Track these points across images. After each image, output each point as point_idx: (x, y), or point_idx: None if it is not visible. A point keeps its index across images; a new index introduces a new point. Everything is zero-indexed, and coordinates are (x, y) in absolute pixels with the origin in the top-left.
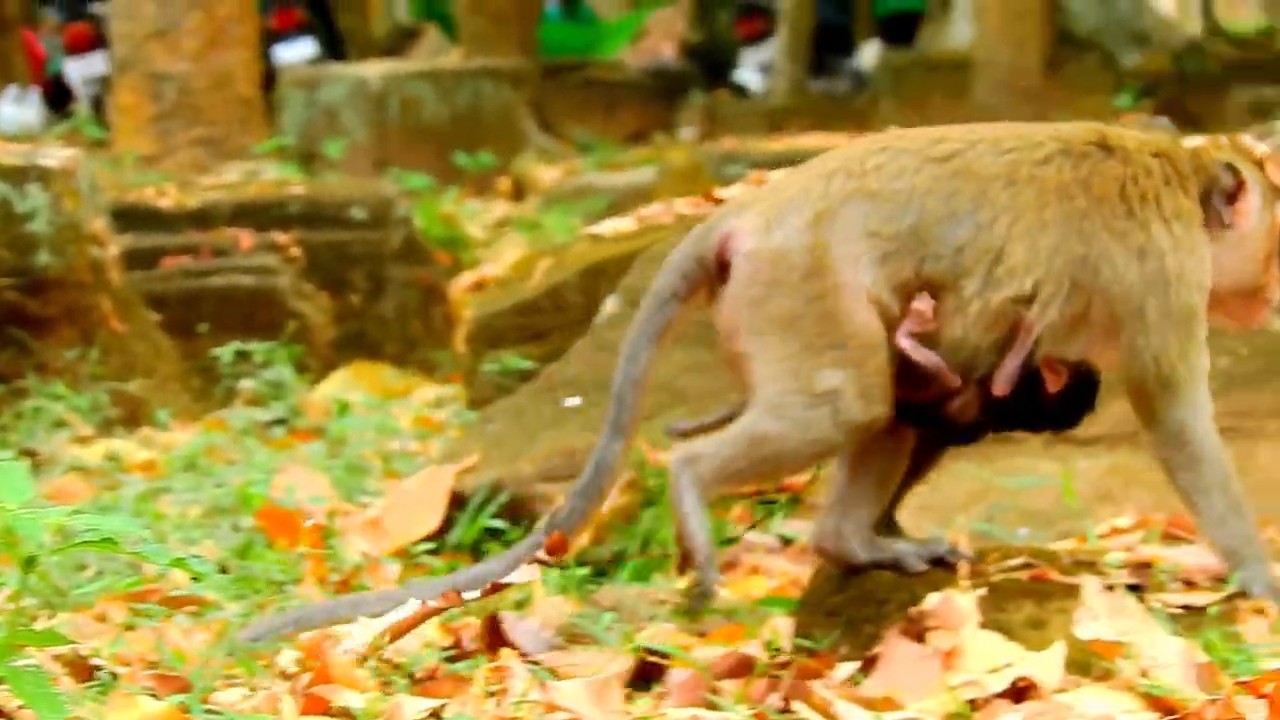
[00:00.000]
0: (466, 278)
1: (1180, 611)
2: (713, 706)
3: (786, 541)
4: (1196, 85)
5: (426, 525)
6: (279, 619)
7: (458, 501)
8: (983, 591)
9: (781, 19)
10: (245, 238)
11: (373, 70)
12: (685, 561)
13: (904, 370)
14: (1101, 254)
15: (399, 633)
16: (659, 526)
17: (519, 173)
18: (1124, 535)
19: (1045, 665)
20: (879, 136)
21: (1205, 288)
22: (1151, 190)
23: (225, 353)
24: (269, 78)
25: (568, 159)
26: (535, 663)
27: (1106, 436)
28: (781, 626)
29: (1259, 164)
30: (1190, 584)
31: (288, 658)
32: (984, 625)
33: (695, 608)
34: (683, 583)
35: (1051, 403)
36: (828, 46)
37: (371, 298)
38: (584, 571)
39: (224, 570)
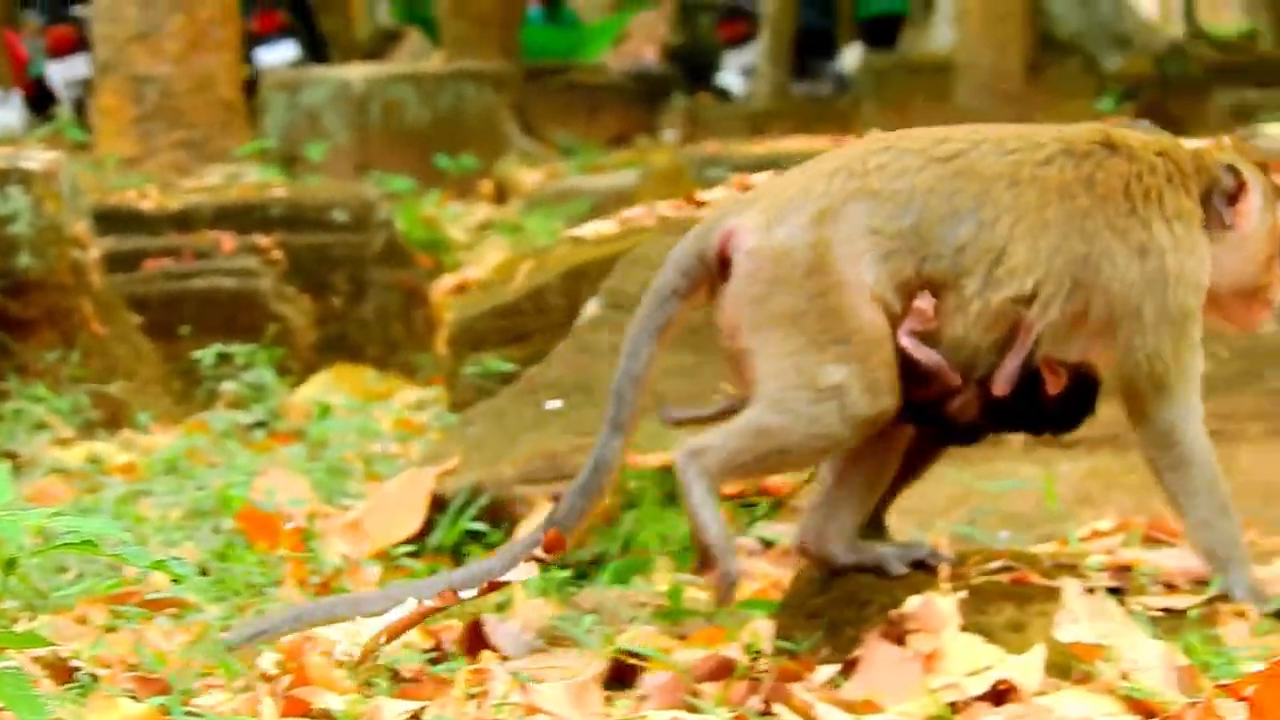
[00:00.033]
0: (448, 280)
1: (1161, 614)
2: (693, 709)
3: (768, 544)
4: (1178, 88)
5: (407, 528)
6: (276, 618)
7: (438, 504)
8: (963, 594)
9: (764, 22)
10: (227, 240)
11: (355, 73)
12: (704, 555)
13: (904, 369)
14: (1103, 252)
15: (396, 632)
16: (640, 529)
17: (501, 175)
18: (1105, 538)
19: (1025, 668)
20: (881, 136)
21: (1203, 289)
22: (1155, 188)
23: (206, 355)
24: (250, 83)
25: (550, 162)
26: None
27: (1087, 440)
28: (762, 629)
29: (1262, 166)
30: (1171, 587)
31: (268, 660)
32: (964, 628)
33: (723, 599)
34: (707, 577)
35: (1052, 404)
36: (810, 49)
37: (353, 300)
38: (565, 574)
39: (204, 572)
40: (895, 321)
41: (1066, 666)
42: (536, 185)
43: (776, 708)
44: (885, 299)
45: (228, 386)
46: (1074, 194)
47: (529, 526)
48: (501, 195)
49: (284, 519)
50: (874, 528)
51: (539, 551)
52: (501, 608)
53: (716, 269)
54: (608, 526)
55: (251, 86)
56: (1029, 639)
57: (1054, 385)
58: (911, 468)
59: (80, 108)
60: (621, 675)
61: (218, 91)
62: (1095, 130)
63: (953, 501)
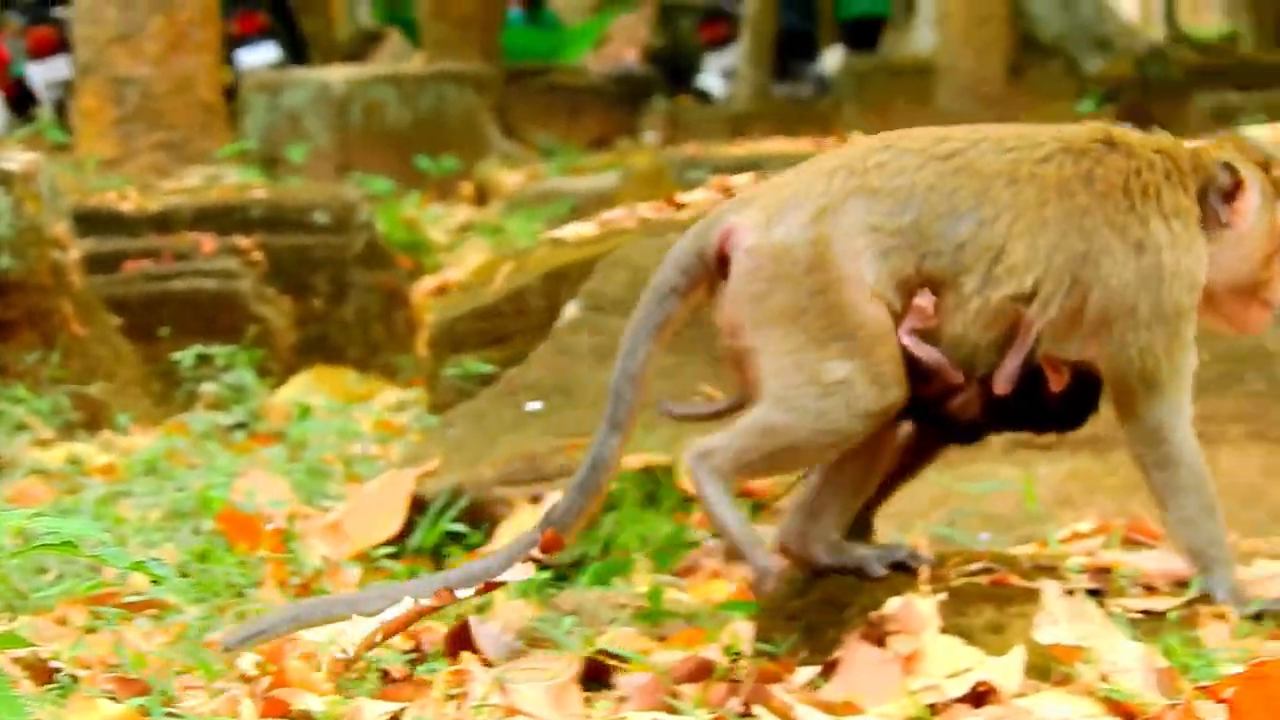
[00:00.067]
0: (428, 282)
1: (1140, 616)
2: (672, 710)
3: None
4: (1160, 91)
5: (387, 529)
6: (273, 618)
7: (418, 505)
8: (943, 596)
9: (744, 24)
10: (207, 242)
11: (335, 75)
12: (732, 552)
13: (906, 367)
14: (1102, 248)
15: (392, 630)
16: (620, 531)
17: (482, 177)
18: (1084, 540)
19: (1005, 670)
20: (881, 136)
21: (1199, 287)
22: (1153, 185)
23: (186, 356)
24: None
25: (530, 164)
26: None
27: (1068, 441)
28: (742, 631)
29: (1263, 165)
30: (1150, 589)
31: (247, 661)
32: (944, 630)
33: (761, 590)
34: (745, 572)
35: (1054, 402)
36: (791, 52)
37: (333, 302)
38: (545, 575)
39: (184, 574)
40: (896, 320)
41: (1046, 668)
42: (517, 187)
43: (756, 709)
44: (885, 296)
45: (208, 388)
46: (1073, 191)
47: (509, 528)
48: (482, 197)
49: (264, 520)
50: (861, 528)
51: (536, 551)
52: (481, 609)
53: (715, 267)
54: (588, 529)
55: (231, 92)
56: (1009, 641)
57: (1056, 383)
58: (907, 466)
59: (61, 109)
60: (598, 675)
61: (198, 93)
62: (1095, 129)
63: (932, 503)
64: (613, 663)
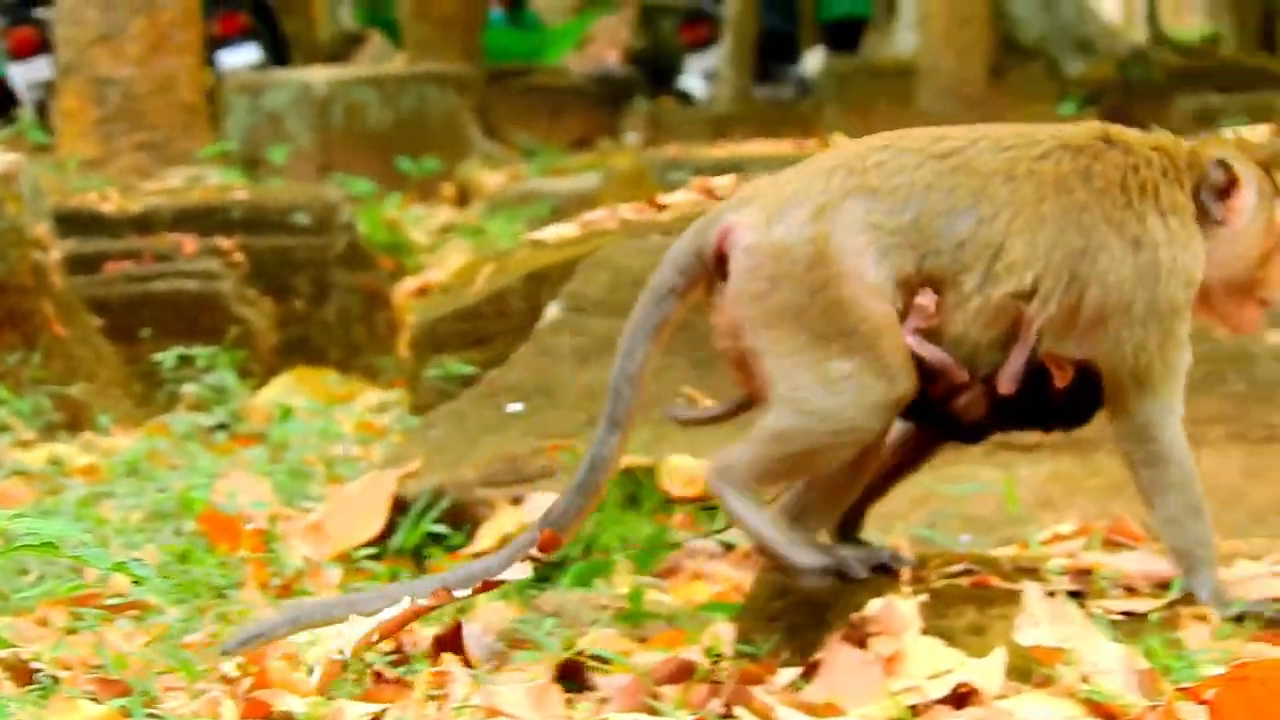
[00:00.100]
0: (410, 283)
1: (1121, 618)
2: (653, 712)
3: (729, 547)
4: (1141, 93)
5: (368, 530)
6: (273, 620)
7: (400, 506)
8: (924, 597)
9: (726, 26)
10: (188, 243)
11: (317, 76)
12: (771, 558)
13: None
14: (1099, 244)
15: (389, 631)
16: (601, 532)
17: (463, 178)
18: (1065, 542)
19: (986, 671)
20: (880, 135)
21: (1194, 285)
22: (1150, 182)
23: (168, 358)
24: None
25: (512, 165)
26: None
27: (1048, 443)
28: (723, 632)
29: (1264, 163)
30: (1131, 590)
31: (229, 662)
32: (925, 631)
33: (813, 587)
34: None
35: (1058, 399)
36: (772, 53)
37: (315, 303)
38: (526, 577)
39: (165, 575)
40: (898, 319)
41: (1027, 670)
42: (498, 188)
43: (737, 710)
44: (887, 295)
45: (189, 389)
46: (1071, 187)
47: (490, 529)
48: (463, 198)
49: (245, 521)
50: (852, 524)
51: (535, 551)
52: (463, 610)
53: (714, 266)
54: None
55: (210, 95)
56: (990, 642)
57: (1060, 379)
58: (905, 465)
59: (42, 110)
60: (575, 676)
61: (179, 94)
62: (1092, 127)
63: (914, 504)
64: (594, 664)
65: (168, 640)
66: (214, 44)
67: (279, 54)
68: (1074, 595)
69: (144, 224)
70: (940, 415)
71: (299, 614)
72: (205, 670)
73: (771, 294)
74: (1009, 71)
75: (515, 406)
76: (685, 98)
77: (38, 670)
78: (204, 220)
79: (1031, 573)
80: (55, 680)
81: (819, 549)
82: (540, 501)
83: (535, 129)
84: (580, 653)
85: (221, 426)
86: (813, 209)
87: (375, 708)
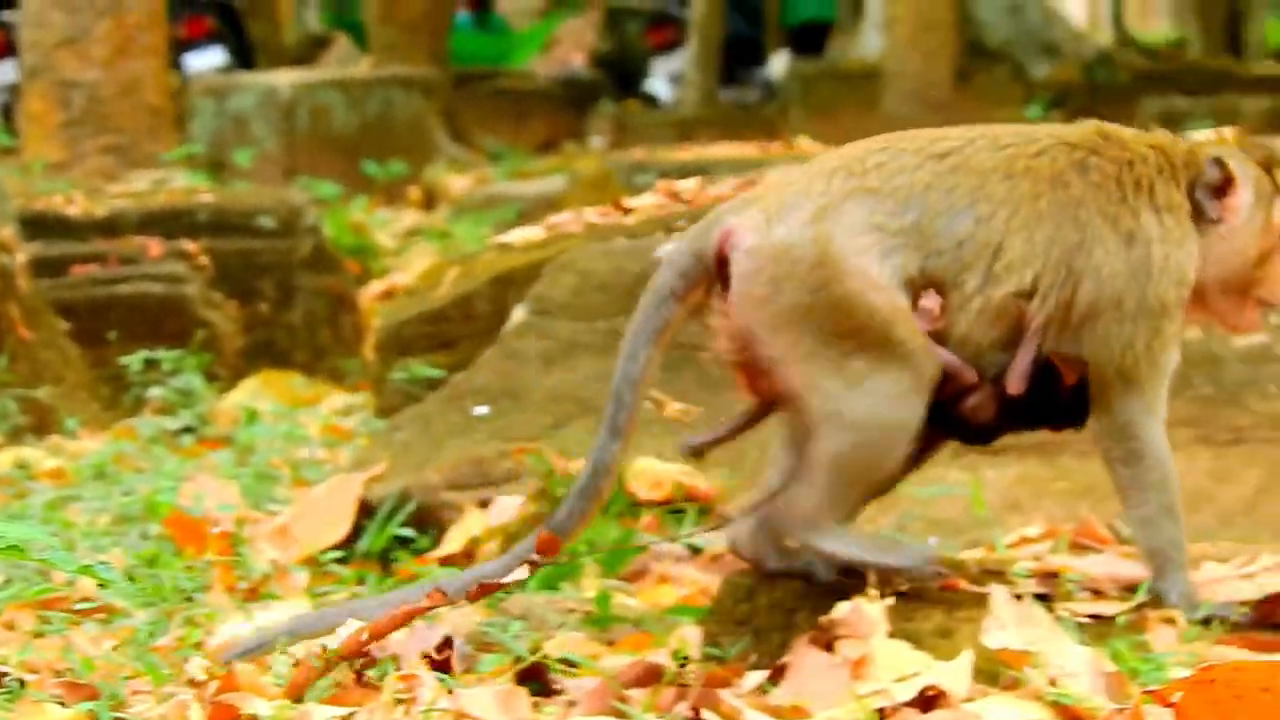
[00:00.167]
0: (376, 286)
1: (1088, 621)
2: (621, 715)
3: (695, 551)
4: (1107, 95)
5: (335, 533)
6: (272, 630)
7: (366, 510)
8: (891, 600)
9: (691, 29)
10: (154, 246)
11: (283, 79)
12: (897, 576)
13: None
14: (1094, 238)
15: (379, 633)
16: None
17: (429, 182)
18: (1032, 545)
19: (953, 674)
20: (879, 137)
21: (1187, 283)
22: (1146, 178)
23: (134, 361)
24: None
25: (478, 168)
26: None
27: (1015, 446)
28: (690, 635)
29: (1265, 163)
30: (1098, 593)
31: (196, 665)
32: (892, 634)
33: (932, 581)
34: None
35: (1066, 397)
36: (737, 56)
37: (280, 306)
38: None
39: (132, 578)
40: None
41: (994, 673)
42: (464, 191)
43: (705, 714)
44: (891, 292)
45: (155, 392)
46: (1067, 182)
47: (457, 532)
48: (429, 201)
49: (212, 524)
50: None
51: (533, 554)
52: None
53: (715, 269)
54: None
55: (175, 98)
56: (957, 645)
57: (1069, 377)
58: (913, 461)
59: (7, 113)
60: (541, 678)
61: (145, 97)
62: (1089, 125)
63: (880, 507)
64: (561, 667)
65: (135, 644)
66: (179, 47)
67: (244, 57)
68: (1041, 598)
69: (109, 227)
70: (949, 417)
71: (297, 625)
72: (172, 674)
73: (776, 297)
74: (975, 75)
75: (481, 409)
76: (651, 101)
77: (4, 674)
78: (169, 223)
79: (998, 576)
80: (22, 684)
81: (782, 553)
82: (506, 504)
83: (501, 132)
84: (546, 656)
85: (188, 430)
86: (814, 210)
87: (343, 711)
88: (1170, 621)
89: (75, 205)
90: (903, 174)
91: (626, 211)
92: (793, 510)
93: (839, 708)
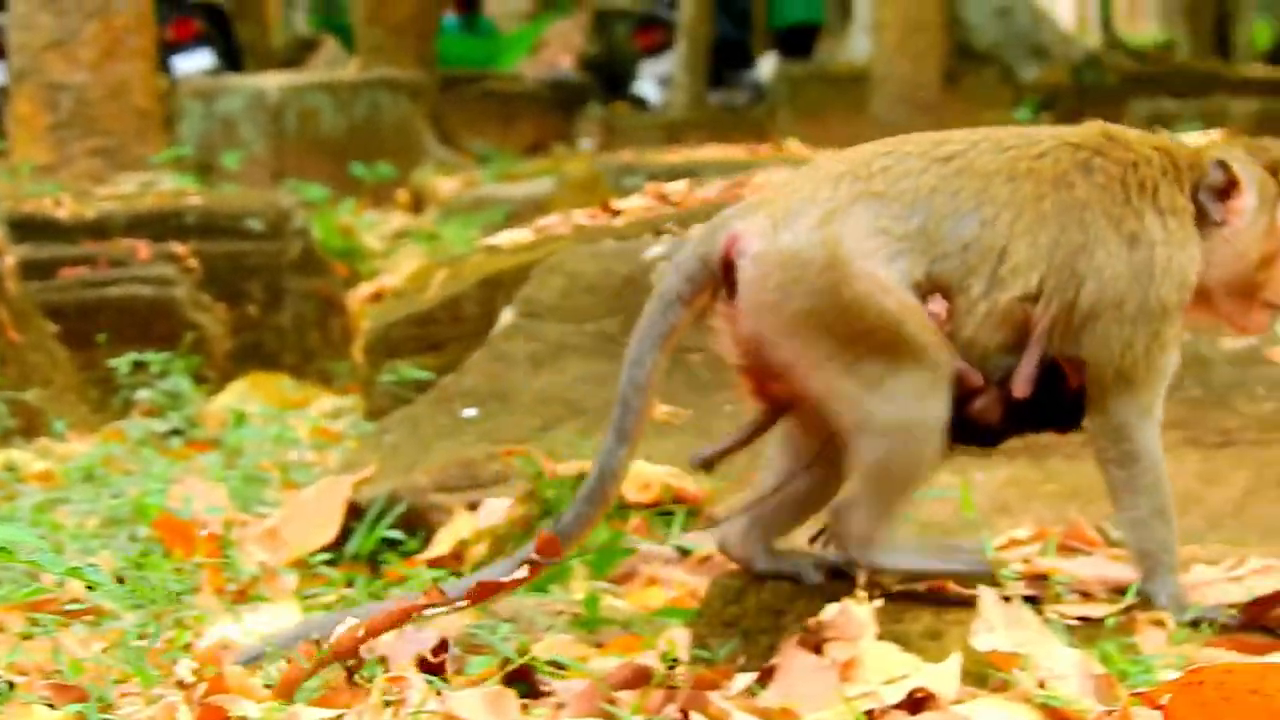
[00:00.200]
0: (364, 289)
1: (1077, 623)
2: (609, 717)
3: (684, 553)
4: (1095, 98)
5: (324, 535)
6: (283, 636)
7: (355, 512)
8: (880, 603)
9: (679, 31)
10: (142, 248)
11: (271, 81)
12: (962, 578)
13: None
14: (1097, 239)
15: (376, 630)
16: None
17: (417, 184)
18: (1021, 547)
19: (942, 676)
20: (882, 141)
21: (1189, 286)
22: (1150, 180)
23: (122, 363)
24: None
25: (466, 170)
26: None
27: (1004, 448)
28: (679, 637)
29: (1270, 166)
30: (1087, 596)
31: (185, 667)
32: (881, 636)
33: (988, 576)
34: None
35: (1071, 398)
36: (726, 59)
37: (269, 308)
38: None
39: (121, 580)
40: None
41: (983, 675)
42: (452, 193)
43: (693, 716)
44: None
45: (144, 394)
46: (1071, 183)
47: (446, 534)
48: (418, 204)
49: (200, 527)
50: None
51: (534, 555)
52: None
53: (721, 274)
54: (525, 535)
55: (164, 100)
56: (946, 647)
57: (1074, 378)
58: None
59: None
60: (529, 680)
61: (133, 99)
62: (1094, 126)
63: None
64: (550, 669)
65: (124, 646)
66: (168, 49)
67: (232, 60)
68: (1030, 600)
69: (98, 230)
70: (956, 421)
71: (308, 629)
72: (161, 675)
73: (785, 303)
74: (963, 77)
75: (470, 412)
76: (639, 103)
77: None
78: (158, 226)
79: (987, 578)
80: (11, 686)
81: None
82: (495, 506)
83: (489, 135)
84: (535, 658)
85: (176, 432)
86: (820, 215)
87: (332, 713)
88: (1159, 624)
89: (63, 208)
90: (908, 178)
91: (615, 214)
92: (850, 534)
93: (828, 710)
